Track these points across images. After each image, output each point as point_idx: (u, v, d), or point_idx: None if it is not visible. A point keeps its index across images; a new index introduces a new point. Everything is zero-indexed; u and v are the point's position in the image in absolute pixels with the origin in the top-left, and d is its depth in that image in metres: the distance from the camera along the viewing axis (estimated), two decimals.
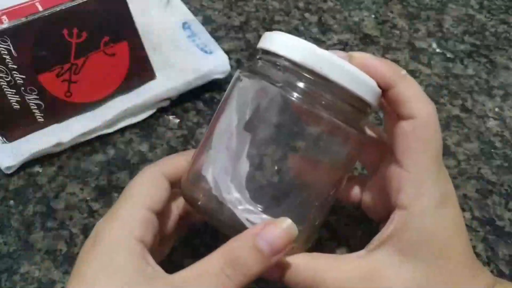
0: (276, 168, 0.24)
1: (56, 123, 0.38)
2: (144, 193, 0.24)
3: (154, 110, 0.41)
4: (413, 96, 0.23)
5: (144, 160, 0.38)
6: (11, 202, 0.35)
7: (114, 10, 0.37)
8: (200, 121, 0.41)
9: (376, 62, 0.23)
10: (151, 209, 0.24)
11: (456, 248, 0.24)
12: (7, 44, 0.34)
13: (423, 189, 0.23)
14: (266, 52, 0.23)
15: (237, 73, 0.25)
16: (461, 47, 0.49)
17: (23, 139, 0.37)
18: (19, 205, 0.35)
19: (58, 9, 0.35)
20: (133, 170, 0.37)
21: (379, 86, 0.23)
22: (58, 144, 0.37)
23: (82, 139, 0.38)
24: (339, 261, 0.25)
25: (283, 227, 0.22)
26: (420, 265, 0.23)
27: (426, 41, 0.50)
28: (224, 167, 0.23)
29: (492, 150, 0.40)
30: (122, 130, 0.40)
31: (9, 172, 0.36)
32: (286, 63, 0.22)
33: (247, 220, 0.22)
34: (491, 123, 0.42)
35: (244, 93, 0.24)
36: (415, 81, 0.24)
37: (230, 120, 0.24)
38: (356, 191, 0.30)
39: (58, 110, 0.38)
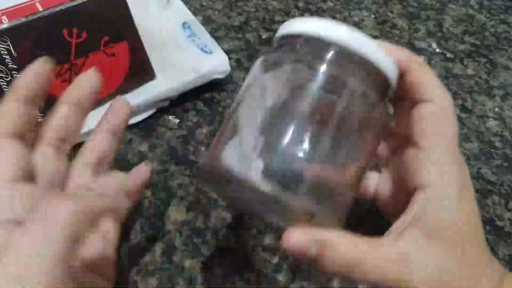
0: (309, 140, 0.23)
1: None
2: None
3: (154, 110, 0.41)
4: (430, 80, 0.24)
5: (144, 160, 0.38)
6: None
7: (114, 10, 0.37)
8: (200, 121, 0.41)
9: (393, 47, 0.24)
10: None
11: (477, 233, 0.24)
12: (7, 44, 0.34)
13: (445, 168, 0.23)
14: (295, 36, 0.24)
15: (261, 59, 0.25)
16: (461, 47, 0.49)
17: None
18: None
19: (58, 9, 0.35)
20: None
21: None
22: None
23: (82, 139, 0.38)
24: (374, 244, 0.24)
25: None
26: (447, 248, 0.23)
27: (426, 41, 0.50)
28: (253, 144, 0.22)
29: (492, 150, 0.40)
30: None
31: None
32: (316, 42, 0.23)
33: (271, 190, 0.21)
34: (491, 123, 0.42)
35: (275, 74, 0.24)
36: (431, 69, 0.24)
37: (260, 100, 0.24)
38: (370, 185, 0.29)
39: None
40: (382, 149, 0.29)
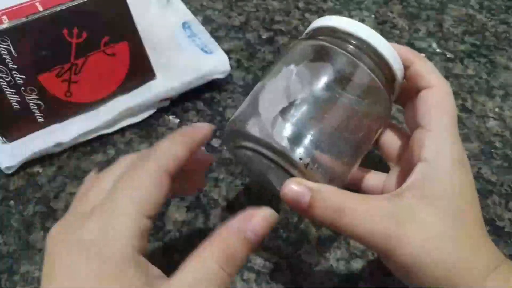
0: (322, 110, 0.26)
1: (56, 123, 0.38)
2: (145, 198, 0.22)
3: (154, 110, 0.41)
4: (430, 70, 0.27)
5: None
6: (11, 202, 0.35)
7: (114, 10, 0.37)
8: (200, 121, 0.41)
9: (398, 46, 0.28)
10: (151, 216, 0.22)
11: (473, 207, 0.25)
12: (7, 44, 0.34)
13: (444, 145, 0.25)
14: (329, 30, 0.28)
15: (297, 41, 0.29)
16: (461, 47, 0.49)
17: (23, 139, 0.37)
18: (19, 205, 0.35)
19: (58, 9, 0.35)
20: None
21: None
22: (58, 144, 0.37)
23: (82, 139, 0.38)
24: (366, 198, 0.25)
25: (266, 216, 0.23)
26: (441, 214, 0.24)
27: (426, 41, 0.50)
28: (279, 108, 0.25)
29: (492, 150, 0.40)
30: (122, 130, 0.40)
31: (9, 172, 0.36)
32: (343, 35, 0.27)
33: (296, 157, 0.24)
34: (491, 123, 0.42)
35: (305, 50, 0.28)
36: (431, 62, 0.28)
37: (288, 70, 0.27)
38: (377, 184, 0.31)
39: (58, 110, 0.38)
40: (393, 147, 0.31)
